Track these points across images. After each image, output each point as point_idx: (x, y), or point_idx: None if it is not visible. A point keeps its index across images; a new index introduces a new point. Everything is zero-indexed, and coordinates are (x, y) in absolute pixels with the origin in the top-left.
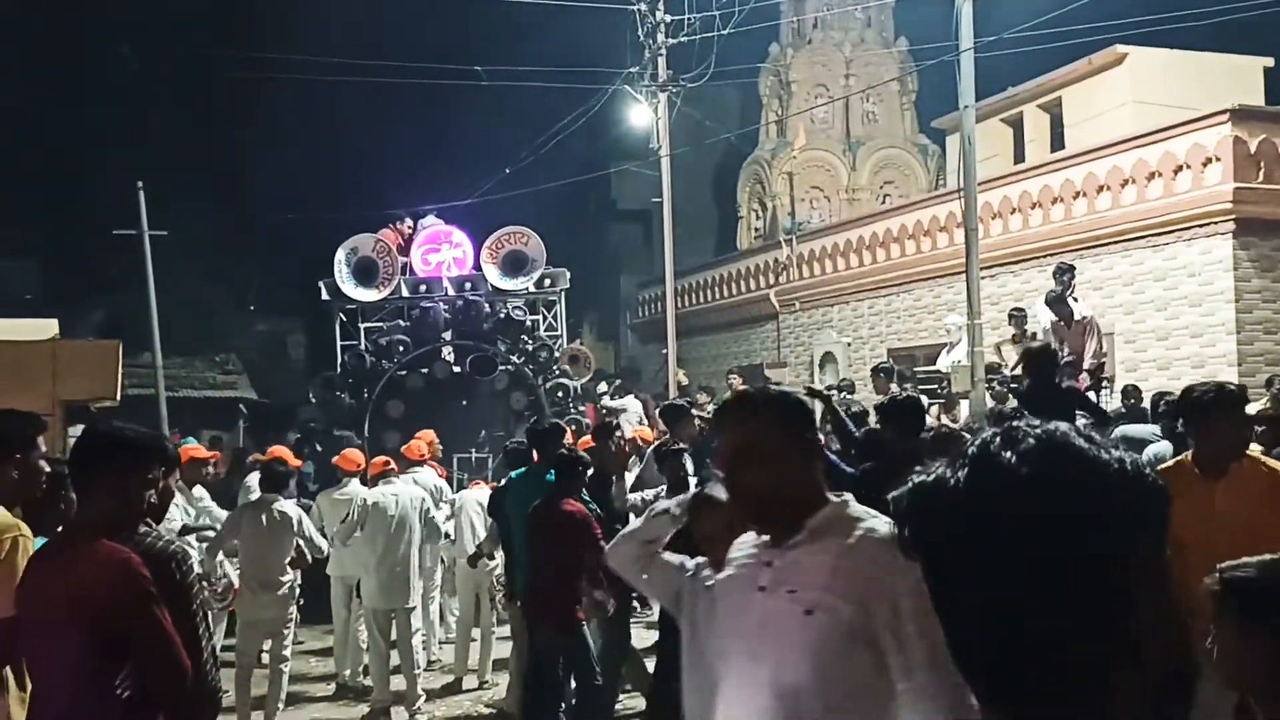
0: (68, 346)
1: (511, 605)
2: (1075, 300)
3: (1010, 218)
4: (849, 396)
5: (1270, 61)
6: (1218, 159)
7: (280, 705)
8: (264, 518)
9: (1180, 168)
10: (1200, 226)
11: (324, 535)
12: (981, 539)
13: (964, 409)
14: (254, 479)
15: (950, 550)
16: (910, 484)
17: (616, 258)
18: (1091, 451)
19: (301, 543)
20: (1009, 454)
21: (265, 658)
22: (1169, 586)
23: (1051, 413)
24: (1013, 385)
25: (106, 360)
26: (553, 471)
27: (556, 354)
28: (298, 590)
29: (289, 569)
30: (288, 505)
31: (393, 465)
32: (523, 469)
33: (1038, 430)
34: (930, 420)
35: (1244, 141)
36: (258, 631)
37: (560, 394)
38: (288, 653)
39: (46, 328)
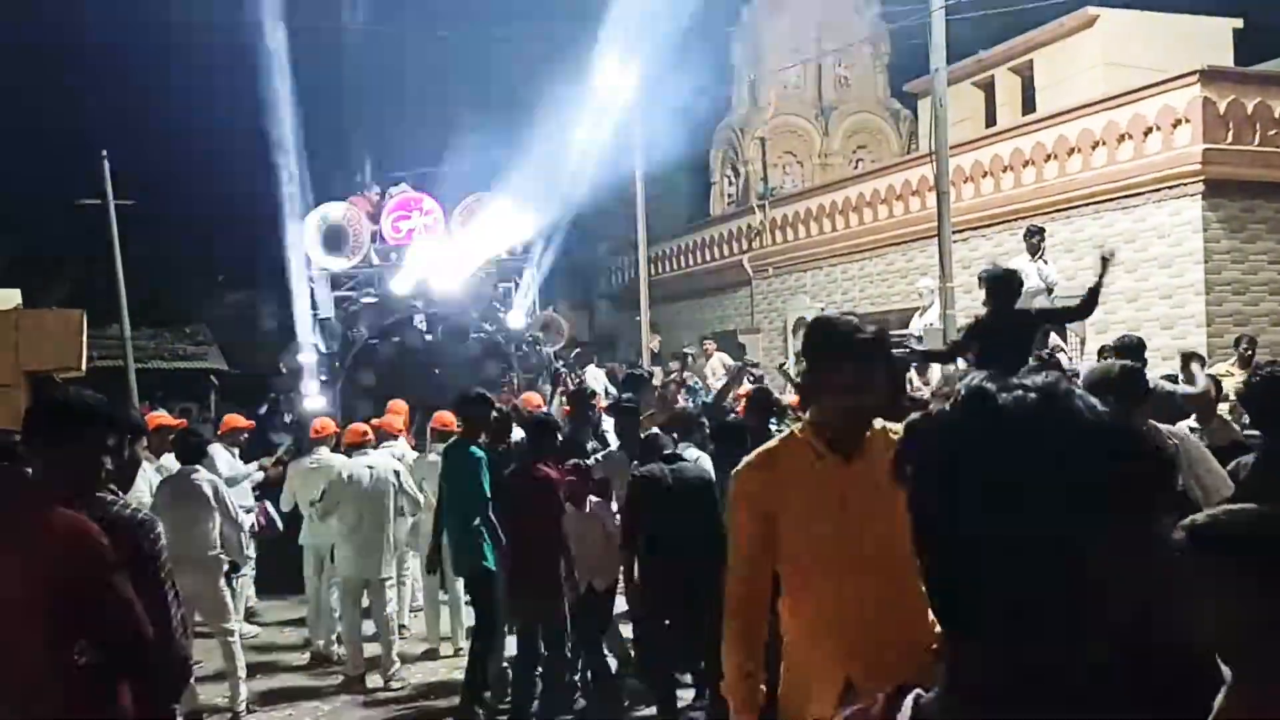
0: (30, 315)
1: (429, 576)
2: (1045, 261)
3: (982, 181)
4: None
5: (1239, 22)
6: (1187, 120)
7: (241, 676)
8: (182, 491)
9: (1150, 129)
10: (1170, 188)
11: (297, 504)
12: (968, 472)
13: (935, 372)
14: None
15: (939, 481)
16: (918, 417)
17: (590, 225)
18: (1079, 403)
19: (219, 516)
20: (1003, 394)
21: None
22: (1149, 550)
23: (1012, 340)
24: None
25: (70, 329)
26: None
27: (529, 321)
28: (224, 562)
29: (216, 543)
30: (205, 476)
31: (370, 436)
32: (452, 439)
33: (1034, 380)
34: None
35: (1213, 102)
36: (191, 608)
37: (533, 361)
38: (231, 625)
39: (8, 298)
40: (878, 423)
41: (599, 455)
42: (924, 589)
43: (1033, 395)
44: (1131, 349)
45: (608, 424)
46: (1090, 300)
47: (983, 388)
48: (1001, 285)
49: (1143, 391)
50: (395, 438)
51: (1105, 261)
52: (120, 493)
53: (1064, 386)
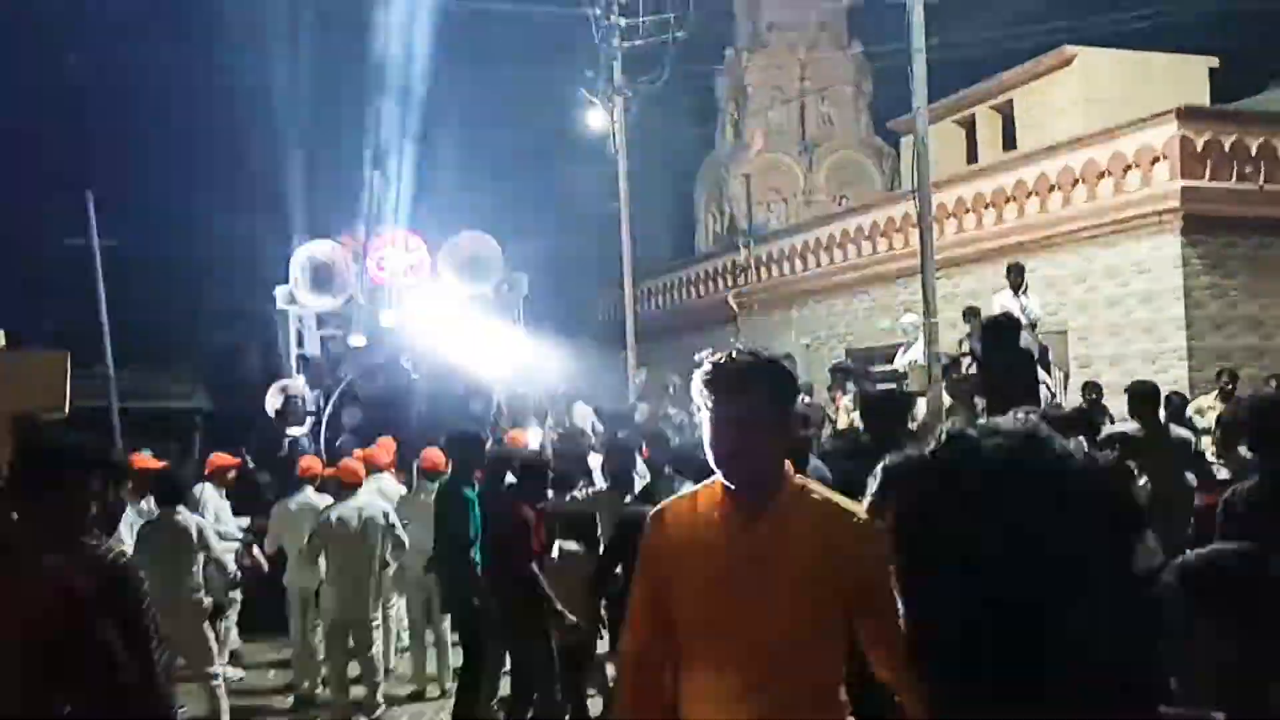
0: (13, 356)
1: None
2: (1026, 296)
3: (964, 217)
4: (806, 399)
5: (1215, 61)
6: (1165, 158)
7: None
8: (164, 534)
9: (1129, 166)
10: (1150, 224)
11: (280, 545)
12: (955, 513)
13: (921, 407)
14: (203, 491)
15: (925, 521)
16: (896, 458)
17: (576, 262)
18: (1062, 449)
19: (202, 557)
20: (990, 437)
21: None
22: (1128, 590)
23: (1013, 378)
24: (968, 352)
25: (54, 371)
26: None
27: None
28: (207, 605)
29: (200, 586)
30: (188, 517)
31: (362, 476)
32: (445, 479)
33: (1018, 423)
34: None
35: (1191, 140)
36: (174, 652)
37: (519, 399)
38: (214, 669)
39: None
40: (798, 478)
41: (588, 492)
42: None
43: (1010, 442)
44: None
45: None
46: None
47: (962, 434)
48: (1005, 329)
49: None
50: (381, 471)
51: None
52: (104, 536)
53: (1041, 432)
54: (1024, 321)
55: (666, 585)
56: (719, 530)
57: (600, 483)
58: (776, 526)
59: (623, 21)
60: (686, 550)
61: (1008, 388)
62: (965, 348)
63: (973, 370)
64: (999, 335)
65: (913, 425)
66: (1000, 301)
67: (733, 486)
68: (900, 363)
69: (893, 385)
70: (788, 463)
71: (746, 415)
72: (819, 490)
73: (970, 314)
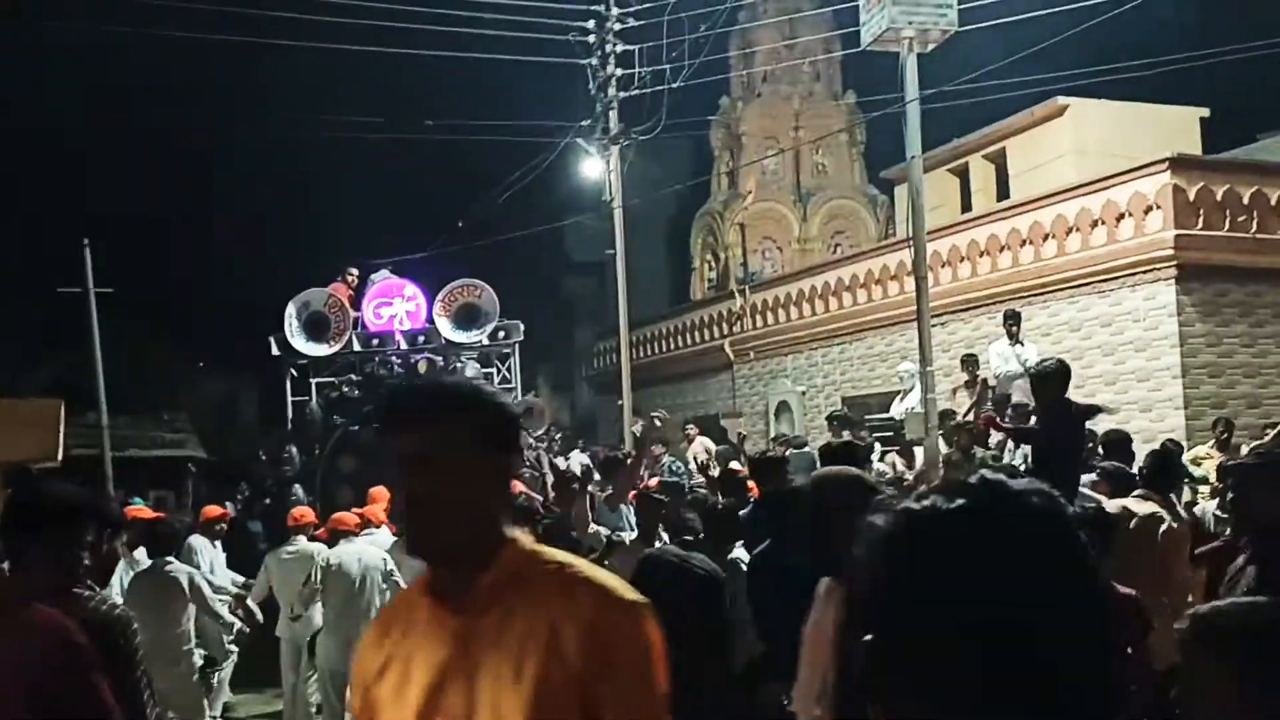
0: (6, 406)
1: None
2: (1022, 344)
3: (959, 266)
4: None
5: (1206, 112)
6: (1158, 206)
7: None
8: (156, 584)
9: (1122, 215)
10: (1144, 273)
11: (273, 594)
12: (960, 575)
13: (919, 455)
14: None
15: (928, 579)
16: (899, 509)
17: (571, 310)
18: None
19: (194, 609)
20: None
21: None
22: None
23: (1066, 433)
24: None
25: (48, 420)
26: None
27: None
28: (198, 656)
29: (191, 638)
30: (180, 568)
31: (352, 522)
32: None
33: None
34: (884, 467)
35: (1183, 190)
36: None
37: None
38: None
39: None
40: (527, 544)
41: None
42: None
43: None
44: (1116, 444)
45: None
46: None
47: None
48: (1054, 380)
49: None
50: (378, 527)
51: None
52: (97, 588)
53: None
54: (1019, 370)
55: (372, 705)
56: (419, 632)
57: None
58: (489, 618)
59: (619, 72)
60: (396, 654)
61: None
62: (959, 398)
63: (969, 419)
64: (1042, 389)
65: (910, 473)
66: (997, 350)
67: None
68: (897, 410)
69: (888, 433)
70: (518, 531)
71: (430, 454)
72: (557, 559)
73: (967, 361)
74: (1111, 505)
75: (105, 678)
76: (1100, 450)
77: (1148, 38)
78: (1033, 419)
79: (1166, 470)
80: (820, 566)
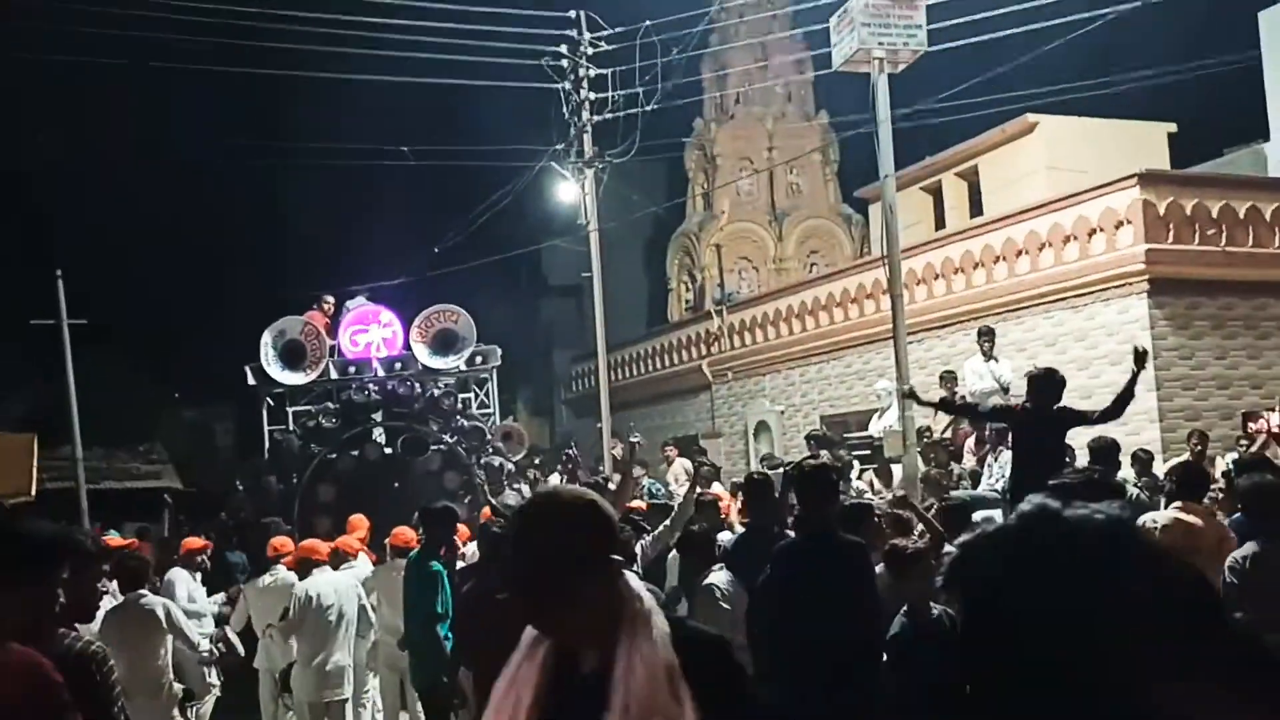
0: None
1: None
2: (996, 361)
3: (934, 283)
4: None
5: (1173, 127)
6: (1129, 221)
7: None
8: (131, 618)
9: (1094, 231)
10: (1116, 287)
11: (250, 624)
12: (1030, 596)
13: (897, 473)
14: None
15: (999, 601)
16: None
17: (549, 333)
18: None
19: (171, 641)
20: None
21: None
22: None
23: (1048, 432)
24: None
25: (21, 454)
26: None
27: (489, 432)
28: (176, 689)
29: (168, 670)
30: (156, 600)
31: (325, 555)
32: (414, 552)
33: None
34: (862, 485)
35: (1153, 204)
36: None
37: (494, 472)
38: None
39: None
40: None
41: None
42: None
43: (1094, 523)
44: (1103, 451)
45: None
46: (1120, 404)
47: (1046, 510)
48: (1043, 383)
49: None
50: (354, 558)
51: (1140, 357)
52: (76, 625)
53: (1124, 516)
54: (995, 386)
55: None
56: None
57: None
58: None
59: (593, 95)
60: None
61: (1028, 435)
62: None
63: (946, 435)
64: (1036, 386)
65: (888, 491)
66: (972, 367)
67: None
68: (875, 428)
69: (866, 451)
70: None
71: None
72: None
73: (945, 378)
74: (1163, 518)
75: (80, 713)
76: (1089, 458)
77: (1115, 55)
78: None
79: (1193, 480)
80: None
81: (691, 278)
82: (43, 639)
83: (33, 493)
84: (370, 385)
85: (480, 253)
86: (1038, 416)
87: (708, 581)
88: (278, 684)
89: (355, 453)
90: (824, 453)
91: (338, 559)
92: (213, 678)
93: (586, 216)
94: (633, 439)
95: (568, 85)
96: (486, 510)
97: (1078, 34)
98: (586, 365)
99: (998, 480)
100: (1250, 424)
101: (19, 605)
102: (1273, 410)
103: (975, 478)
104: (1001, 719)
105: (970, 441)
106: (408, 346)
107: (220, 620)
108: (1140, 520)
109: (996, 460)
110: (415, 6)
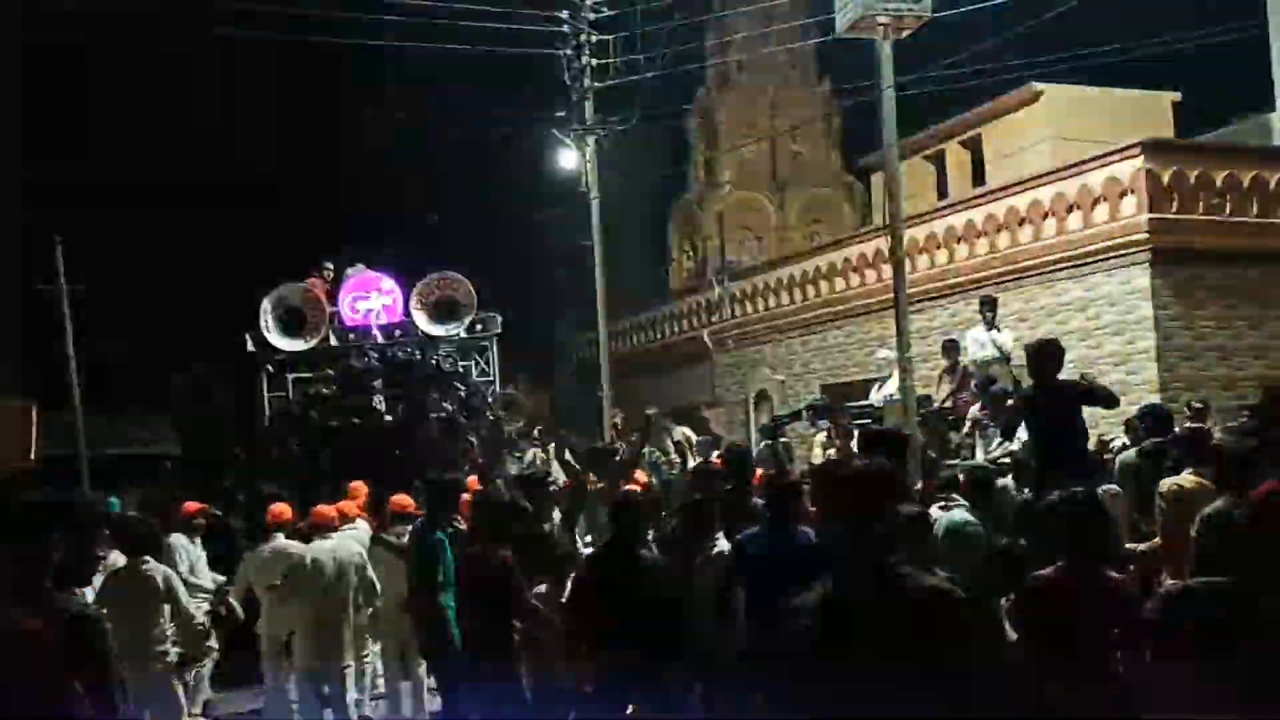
0: None
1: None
2: (998, 330)
3: (936, 252)
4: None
5: (1178, 96)
6: (1132, 191)
7: None
8: (130, 584)
9: (1097, 200)
10: (1119, 257)
11: (251, 591)
12: None
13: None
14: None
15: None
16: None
17: (550, 302)
18: None
19: (169, 608)
20: None
21: None
22: None
23: (1054, 410)
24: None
25: (21, 422)
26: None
27: (490, 400)
28: (174, 655)
29: (167, 637)
30: (155, 567)
31: (336, 519)
32: (416, 521)
33: None
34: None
35: (1157, 174)
36: (142, 706)
37: (494, 440)
38: None
39: None
40: None
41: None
42: None
43: None
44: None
45: None
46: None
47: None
48: (1043, 356)
49: None
50: (353, 521)
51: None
52: (71, 589)
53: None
54: (997, 355)
55: None
56: None
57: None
58: None
59: (594, 62)
60: None
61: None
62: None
63: (948, 405)
64: (1035, 364)
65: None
66: (973, 337)
67: None
68: (875, 398)
69: (866, 420)
70: None
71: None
72: None
73: (947, 347)
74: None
75: (74, 676)
76: (1152, 423)
77: (1121, 24)
78: (1009, 401)
79: (1200, 448)
80: None
81: (693, 246)
82: (37, 602)
83: (34, 458)
84: (370, 352)
85: (482, 220)
86: (1050, 396)
87: (715, 550)
88: (280, 650)
89: (355, 420)
90: (823, 421)
91: (341, 521)
92: (212, 641)
93: (587, 184)
94: (648, 411)
95: (569, 52)
96: (473, 479)
97: (1083, 2)
98: (588, 335)
99: (997, 451)
100: None
101: (13, 568)
102: None
103: (971, 448)
104: None
105: (974, 409)
106: (408, 314)
107: (220, 589)
108: (1163, 483)
109: (989, 434)
110: None
